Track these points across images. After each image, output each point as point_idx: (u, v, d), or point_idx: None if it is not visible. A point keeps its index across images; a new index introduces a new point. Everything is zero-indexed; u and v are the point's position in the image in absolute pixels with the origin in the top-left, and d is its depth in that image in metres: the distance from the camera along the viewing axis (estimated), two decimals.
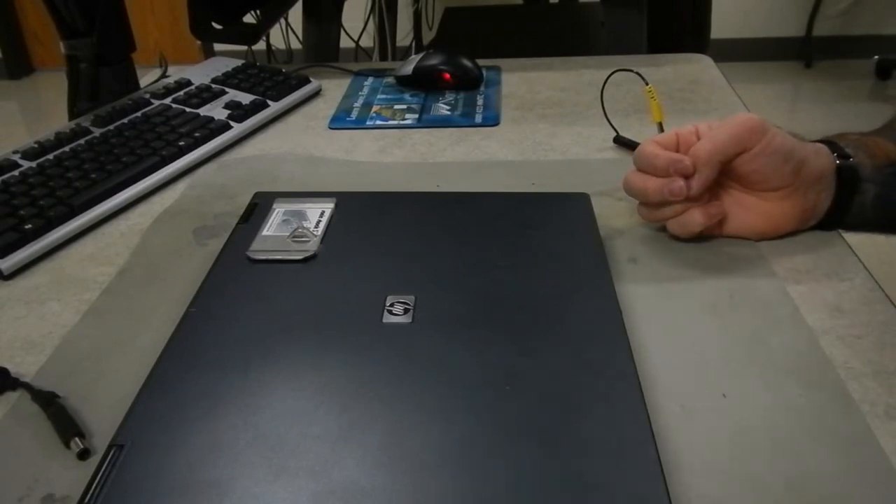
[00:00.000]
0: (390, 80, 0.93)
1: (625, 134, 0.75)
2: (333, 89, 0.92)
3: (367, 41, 1.66)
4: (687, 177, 0.53)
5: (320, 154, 0.76)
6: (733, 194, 0.57)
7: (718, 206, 0.56)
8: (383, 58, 1.68)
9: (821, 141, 0.57)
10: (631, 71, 0.72)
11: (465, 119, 0.82)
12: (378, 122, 0.82)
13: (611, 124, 0.76)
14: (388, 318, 0.46)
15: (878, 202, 0.55)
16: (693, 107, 0.83)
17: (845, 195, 0.55)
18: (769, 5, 3.06)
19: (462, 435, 0.38)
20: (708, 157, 0.53)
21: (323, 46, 1.30)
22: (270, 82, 0.87)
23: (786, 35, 3.10)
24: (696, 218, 0.55)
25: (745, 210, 0.56)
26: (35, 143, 0.73)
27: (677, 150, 0.56)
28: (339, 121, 0.83)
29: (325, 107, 0.87)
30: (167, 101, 0.83)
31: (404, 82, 0.91)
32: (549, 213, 0.57)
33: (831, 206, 0.56)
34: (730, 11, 2.90)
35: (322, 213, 0.57)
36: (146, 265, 0.59)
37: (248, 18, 1.03)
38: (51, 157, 0.71)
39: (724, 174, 0.55)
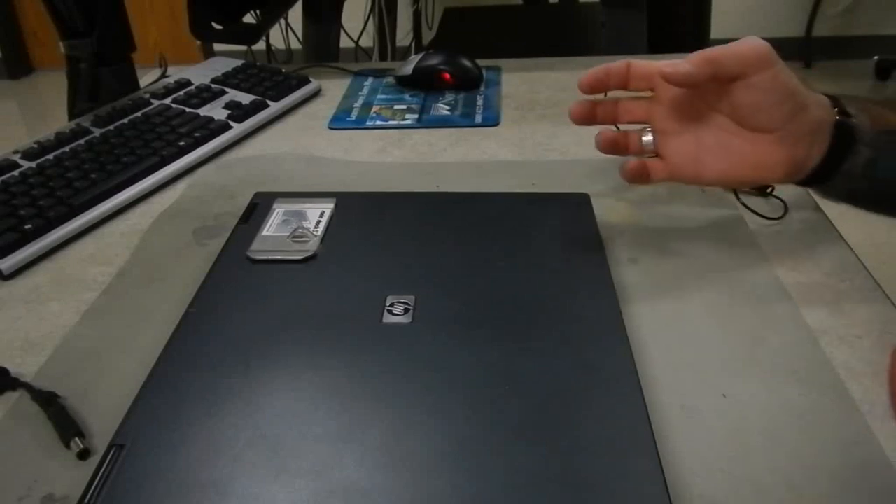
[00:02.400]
0: (390, 80, 0.93)
1: None
2: (333, 89, 0.92)
3: (367, 41, 1.66)
4: (618, 78, 0.53)
5: (320, 154, 0.76)
6: (722, 137, 0.53)
7: (661, 163, 0.54)
8: (383, 58, 1.68)
9: (825, 94, 0.53)
10: None
11: (464, 119, 0.82)
12: (378, 123, 0.82)
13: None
14: (387, 318, 0.46)
15: (869, 169, 0.52)
16: None
17: (838, 154, 0.52)
18: (769, 5, 3.06)
19: (462, 435, 0.38)
20: (701, 57, 0.50)
21: (323, 46, 1.31)
22: (270, 82, 0.87)
23: (786, 35, 3.10)
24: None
25: (732, 157, 0.53)
26: (35, 143, 0.73)
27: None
28: (339, 121, 0.83)
29: (325, 107, 0.87)
30: (167, 101, 0.83)
31: (404, 82, 0.91)
32: (549, 213, 0.57)
33: (820, 163, 0.52)
34: (730, 11, 2.90)
35: (322, 214, 0.57)
36: (146, 265, 0.59)
37: (248, 18, 1.03)
38: (51, 157, 0.71)
39: (717, 105, 0.52)
